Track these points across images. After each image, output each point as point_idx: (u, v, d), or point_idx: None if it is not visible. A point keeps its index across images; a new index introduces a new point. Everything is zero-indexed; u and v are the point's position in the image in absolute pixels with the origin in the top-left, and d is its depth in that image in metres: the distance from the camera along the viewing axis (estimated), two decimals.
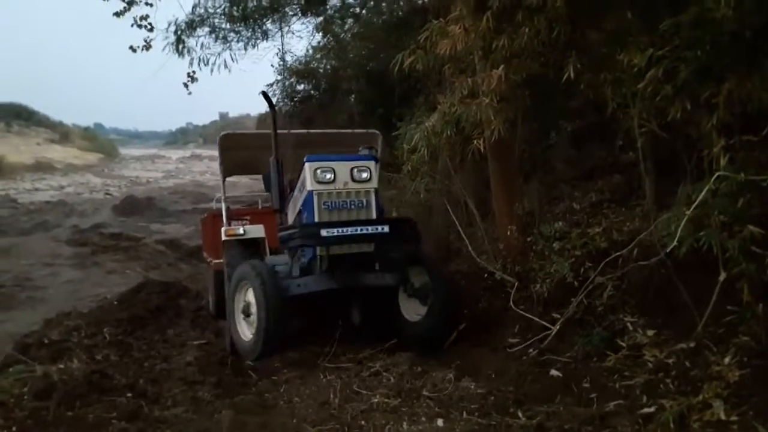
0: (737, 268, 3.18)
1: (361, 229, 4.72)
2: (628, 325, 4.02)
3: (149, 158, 47.44)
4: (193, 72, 11.05)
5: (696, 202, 3.11)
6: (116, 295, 7.76)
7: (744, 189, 3.11)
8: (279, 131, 5.59)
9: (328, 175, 4.86)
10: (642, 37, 3.72)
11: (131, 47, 10.47)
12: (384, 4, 12.28)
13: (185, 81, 11.10)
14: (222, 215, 6.57)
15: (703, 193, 3.11)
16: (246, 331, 5.04)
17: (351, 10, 12.56)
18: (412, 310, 5.20)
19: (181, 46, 10.87)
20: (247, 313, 4.99)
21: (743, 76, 3.25)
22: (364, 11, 12.76)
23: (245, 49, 11.80)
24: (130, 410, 4.07)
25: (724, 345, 3.34)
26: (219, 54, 11.42)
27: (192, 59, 11.01)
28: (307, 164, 4.90)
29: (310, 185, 4.85)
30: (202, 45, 11.18)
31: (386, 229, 4.77)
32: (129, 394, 4.43)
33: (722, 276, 3.33)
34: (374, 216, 4.95)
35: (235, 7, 11.20)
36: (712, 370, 3.21)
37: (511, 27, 4.42)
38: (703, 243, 3.27)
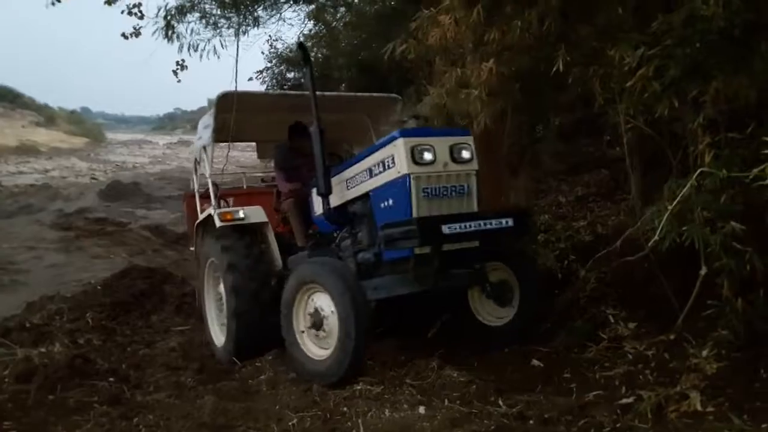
0: (718, 263, 3.23)
1: (486, 224, 3.88)
2: (610, 317, 4.07)
3: (136, 143, 46.99)
4: (183, 60, 10.93)
5: (678, 198, 3.15)
6: (100, 280, 7.71)
7: (727, 185, 3.16)
8: (280, 92, 4.80)
9: (429, 155, 3.97)
10: (632, 33, 3.74)
11: (123, 34, 10.35)
12: None
13: (175, 69, 10.97)
14: (204, 195, 5.59)
15: (685, 188, 3.14)
16: (314, 348, 4.09)
17: None
18: (488, 313, 4.56)
19: (170, 32, 10.75)
20: (317, 326, 4.03)
21: (730, 74, 3.29)
22: (356, 0, 12.70)
23: (235, 35, 11.69)
24: (112, 395, 4.08)
25: (703, 338, 3.39)
26: (209, 40, 11.30)
27: (181, 45, 10.90)
28: (400, 140, 3.98)
29: (406, 167, 3.92)
30: (191, 31, 11.06)
31: (510, 222, 3.97)
32: (111, 379, 4.43)
33: (703, 270, 3.38)
34: (476, 204, 4.19)
35: None
36: (690, 363, 3.26)
37: (502, 19, 4.43)
38: (685, 238, 3.32)
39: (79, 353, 4.80)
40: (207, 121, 5.56)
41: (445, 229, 3.73)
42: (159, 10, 10.49)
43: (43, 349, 4.87)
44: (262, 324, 4.54)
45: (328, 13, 12.81)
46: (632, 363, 3.57)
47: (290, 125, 5.45)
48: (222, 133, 5.54)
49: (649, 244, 3.16)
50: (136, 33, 10.35)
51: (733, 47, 3.34)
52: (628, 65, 3.56)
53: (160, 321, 6.37)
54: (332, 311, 3.88)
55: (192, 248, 6.23)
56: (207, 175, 5.57)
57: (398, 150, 3.99)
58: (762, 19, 3.30)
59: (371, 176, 4.26)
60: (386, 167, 4.12)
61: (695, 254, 3.41)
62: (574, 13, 4.30)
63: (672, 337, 3.56)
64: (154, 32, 10.45)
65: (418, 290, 4.07)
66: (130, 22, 10.27)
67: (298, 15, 13.02)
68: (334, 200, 4.60)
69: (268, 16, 11.97)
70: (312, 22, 13.04)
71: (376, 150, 4.22)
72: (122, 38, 10.41)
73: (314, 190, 4.76)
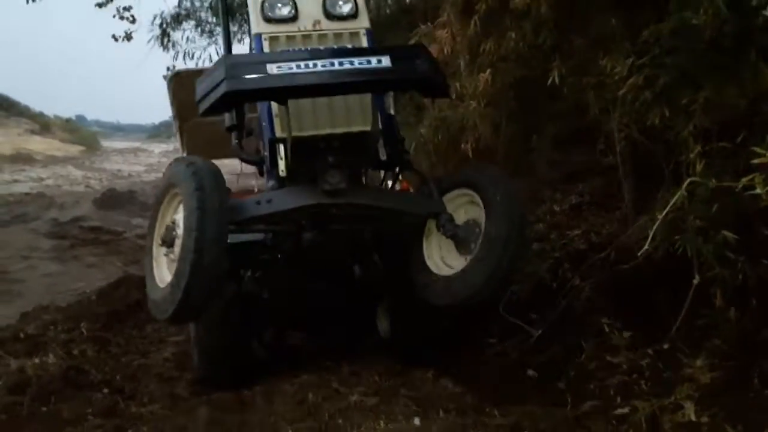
0: (711, 272, 3.24)
1: (342, 62, 2.66)
2: (605, 326, 4.06)
3: (132, 151, 46.80)
4: (174, 66, 11.01)
5: (668, 207, 3.16)
6: (95, 289, 7.68)
7: (718, 194, 3.17)
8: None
9: (285, 9, 3.06)
10: (625, 43, 3.77)
11: (113, 36, 10.46)
12: (371, 2, 12.28)
13: (165, 74, 11.02)
14: None
15: (675, 198, 3.16)
16: (164, 271, 3.01)
17: None
18: (443, 258, 3.25)
19: (166, 40, 10.84)
20: (168, 243, 2.95)
21: (720, 83, 3.31)
22: None
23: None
24: (106, 406, 4.05)
25: (697, 348, 3.40)
26: (204, 48, 11.40)
27: (177, 52, 10.98)
28: None
29: (255, 26, 3.05)
30: (187, 39, 11.17)
31: (386, 61, 2.70)
32: (105, 390, 4.41)
33: (696, 280, 3.39)
34: None
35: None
36: (684, 372, 3.27)
37: (497, 31, 4.47)
38: (678, 247, 3.34)
39: (74, 364, 4.78)
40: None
41: (272, 68, 2.57)
42: (154, 17, 10.61)
43: (37, 360, 4.85)
44: (229, 354, 3.90)
45: None
46: (627, 373, 3.56)
47: None
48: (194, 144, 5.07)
49: (640, 253, 3.17)
50: (128, 37, 10.45)
51: (722, 57, 3.38)
52: (618, 74, 3.59)
53: (154, 331, 6.33)
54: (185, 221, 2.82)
55: None
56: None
57: (249, 7, 3.10)
58: (750, 29, 3.33)
59: None
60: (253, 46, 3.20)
61: (688, 263, 3.42)
62: (567, 24, 4.35)
63: (666, 346, 3.56)
64: (150, 40, 10.55)
65: (306, 204, 3.01)
66: (124, 28, 10.38)
67: None
68: (253, 141, 3.56)
69: None
70: None
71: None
72: (113, 40, 10.53)
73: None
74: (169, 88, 5.11)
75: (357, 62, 2.68)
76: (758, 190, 2.68)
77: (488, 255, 2.93)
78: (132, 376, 4.81)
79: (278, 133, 2.95)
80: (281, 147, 2.96)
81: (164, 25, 10.85)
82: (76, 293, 7.91)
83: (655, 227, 3.23)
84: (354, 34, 3.14)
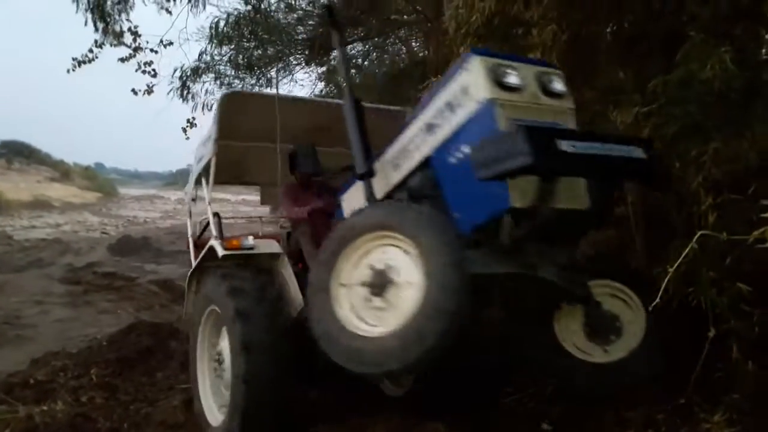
0: (726, 325, 3.20)
1: (611, 149, 2.59)
2: None
3: (148, 198, 47.56)
4: (193, 118, 11.29)
5: (679, 260, 3.14)
6: (106, 335, 7.68)
7: (731, 246, 3.16)
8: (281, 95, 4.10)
9: (515, 78, 2.87)
10: (634, 95, 3.84)
11: (133, 90, 10.76)
12: (386, 56, 12.64)
13: (184, 126, 11.30)
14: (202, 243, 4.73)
15: (686, 251, 3.14)
16: (353, 316, 2.75)
17: (353, 60, 12.90)
18: (574, 343, 3.26)
19: (185, 92, 11.17)
20: (377, 290, 2.73)
21: (731, 135, 3.34)
22: (365, 62, 13.11)
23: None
24: None
25: (715, 402, 3.32)
26: None
27: (195, 104, 11.27)
28: (475, 59, 2.87)
29: (488, 91, 2.81)
30: (206, 91, 11.48)
31: (641, 153, 2.65)
32: None
33: (712, 332, 3.34)
34: None
35: (240, 56, 11.52)
36: (701, 428, 3.19)
37: None
38: (692, 299, 3.30)
39: (81, 411, 4.76)
40: (206, 136, 4.88)
41: (565, 145, 2.44)
42: (175, 70, 10.95)
43: (45, 407, 4.82)
44: (280, 393, 3.68)
45: (338, 74, 13.20)
46: (642, 427, 3.48)
47: (289, 153, 4.75)
48: (224, 171, 4.82)
49: (652, 306, 3.13)
50: (149, 91, 10.75)
51: (732, 110, 3.42)
52: (623, 123, 3.64)
53: (164, 378, 6.29)
54: (408, 281, 2.60)
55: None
56: (207, 201, 4.81)
57: (472, 74, 2.87)
58: (758, 83, 3.38)
59: (430, 133, 3.13)
60: (453, 109, 2.98)
61: (703, 315, 3.38)
62: (576, 76, 4.43)
63: (682, 401, 3.49)
64: (170, 92, 10.87)
65: (511, 271, 2.93)
66: (144, 80, 10.70)
67: (310, 76, 13.45)
68: (379, 189, 3.41)
69: (280, 78, 12.40)
70: (323, 83, 13.44)
71: (436, 94, 3.10)
72: (132, 94, 10.83)
73: (343, 197, 3.80)
74: (220, 106, 4.71)
75: (624, 150, 2.63)
76: None
77: (653, 352, 3.15)
78: (139, 425, 4.77)
79: (513, 203, 2.74)
80: (507, 216, 2.81)
81: (184, 78, 11.19)
82: (88, 339, 7.90)
83: (667, 279, 3.20)
84: (565, 112, 3.03)
